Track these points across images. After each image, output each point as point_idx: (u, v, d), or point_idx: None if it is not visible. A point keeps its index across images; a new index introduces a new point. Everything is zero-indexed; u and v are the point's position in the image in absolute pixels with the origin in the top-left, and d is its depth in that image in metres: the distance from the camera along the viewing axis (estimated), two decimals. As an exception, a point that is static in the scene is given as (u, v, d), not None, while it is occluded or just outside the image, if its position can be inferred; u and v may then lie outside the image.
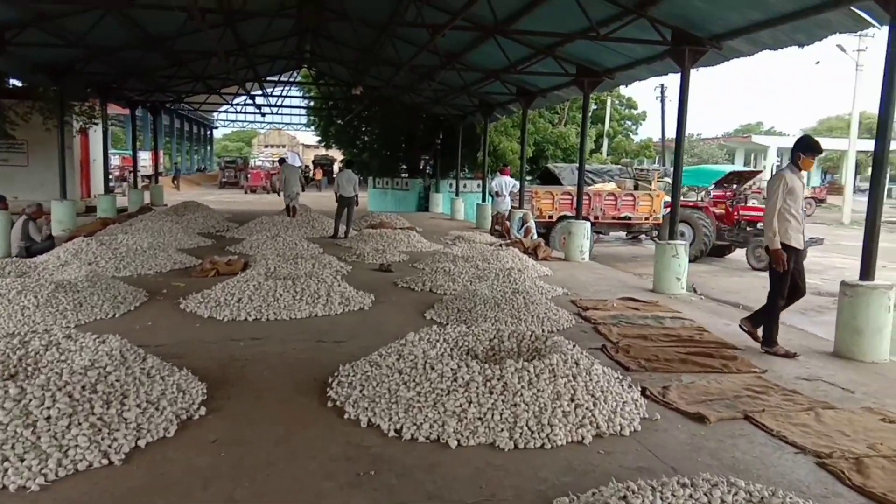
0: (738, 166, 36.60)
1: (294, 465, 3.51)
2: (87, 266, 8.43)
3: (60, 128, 13.50)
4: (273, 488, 3.26)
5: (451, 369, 4.20)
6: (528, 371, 4.18)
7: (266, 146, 76.51)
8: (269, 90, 24.89)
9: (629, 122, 42.04)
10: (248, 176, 37.13)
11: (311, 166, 51.15)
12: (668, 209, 16.56)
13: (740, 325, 6.43)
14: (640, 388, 4.79)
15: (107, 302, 6.73)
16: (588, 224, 12.12)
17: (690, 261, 15.90)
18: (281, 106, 28.17)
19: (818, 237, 16.08)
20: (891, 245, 17.15)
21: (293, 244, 11.54)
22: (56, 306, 6.28)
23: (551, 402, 4.03)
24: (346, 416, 4.16)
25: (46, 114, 16.60)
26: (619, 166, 20.53)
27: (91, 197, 20.84)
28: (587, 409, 4.08)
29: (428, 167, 27.48)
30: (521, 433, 3.83)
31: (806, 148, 6.10)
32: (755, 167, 42.68)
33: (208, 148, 59.57)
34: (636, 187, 16.53)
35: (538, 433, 3.85)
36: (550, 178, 19.21)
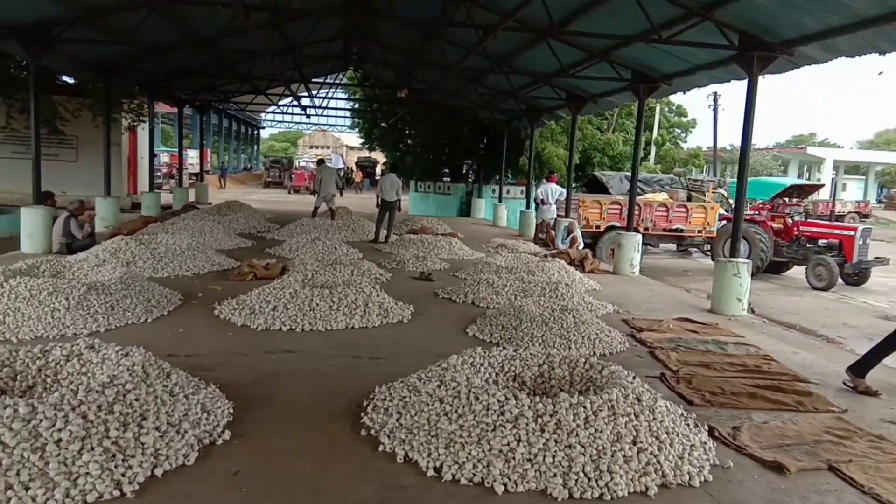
0: (797, 179, 35.15)
1: (322, 506, 3.14)
2: (124, 266, 8.28)
3: (107, 125, 13.53)
4: (297, 535, 2.90)
5: (498, 401, 3.78)
6: (585, 407, 3.74)
7: (311, 147, 77.28)
8: (314, 91, 24.83)
9: (678, 130, 40.92)
10: (293, 176, 37.33)
11: (354, 168, 51.39)
12: (723, 222, 15.88)
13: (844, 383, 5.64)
14: (707, 428, 4.30)
15: (140, 305, 6.52)
16: (639, 236, 11.54)
17: (745, 277, 15.30)
18: (326, 108, 28.16)
19: (883, 257, 15.16)
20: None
21: (333, 248, 11.27)
22: (87, 309, 6.08)
23: (611, 444, 3.59)
24: (381, 447, 3.78)
25: (96, 111, 16.80)
26: (671, 176, 19.81)
27: (138, 193, 21.05)
28: (651, 453, 3.62)
29: (471, 172, 27.10)
30: (576, 480, 3.40)
31: None
32: (809, 179, 41.13)
33: (255, 147, 60.39)
34: (689, 198, 15.84)
35: (596, 481, 3.41)
36: (597, 187, 18.65)
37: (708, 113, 37.82)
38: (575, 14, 9.05)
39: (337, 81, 24.37)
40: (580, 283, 9.44)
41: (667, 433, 3.81)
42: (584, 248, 13.89)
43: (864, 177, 51.44)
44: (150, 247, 9.23)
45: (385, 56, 16.19)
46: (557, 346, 5.99)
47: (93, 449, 3.23)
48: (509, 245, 13.71)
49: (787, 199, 16.47)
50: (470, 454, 3.55)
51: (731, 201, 18.01)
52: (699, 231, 15.46)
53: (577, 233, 14.16)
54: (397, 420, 3.99)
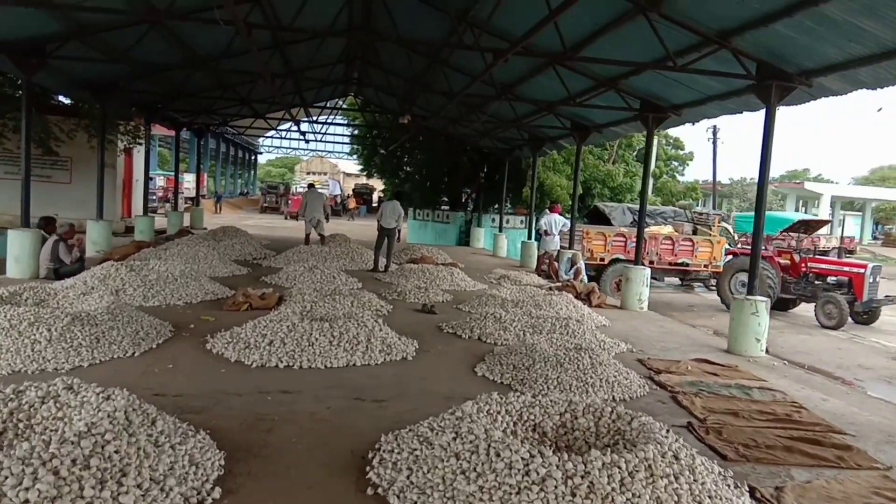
0: (804, 214, 34.98)
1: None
2: (112, 295, 7.87)
3: (101, 145, 13.19)
4: None
5: (522, 458, 3.38)
6: (620, 467, 3.34)
7: (308, 173, 77.19)
8: (314, 116, 24.66)
9: (675, 163, 40.95)
10: (289, 202, 37.04)
11: (350, 194, 51.19)
12: (729, 257, 15.58)
13: None
14: (748, 488, 3.89)
15: (127, 338, 6.10)
16: (648, 271, 11.19)
17: (752, 313, 14.94)
18: (325, 133, 27.99)
19: (893, 295, 14.85)
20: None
21: (331, 277, 10.88)
22: (70, 341, 5.66)
23: (651, 512, 3.18)
24: (389, 509, 3.37)
25: (91, 131, 16.48)
26: (674, 208, 19.56)
27: (132, 217, 20.65)
28: (695, 522, 3.22)
29: (470, 201, 26.86)
30: (614, 555, 2.99)
31: None
32: (808, 214, 41.02)
33: (252, 172, 60.15)
34: (695, 232, 15.54)
35: (637, 555, 3.00)
36: (599, 218, 18.37)
37: (704, 146, 37.95)
38: (586, 41, 8.81)
39: (337, 107, 24.20)
40: (590, 318, 9.05)
41: (709, 497, 3.41)
42: (587, 280, 13.56)
43: (860, 213, 51.52)
44: (141, 273, 8.82)
45: (387, 81, 15.98)
46: (574, 389, 5.60)
47: (63, 513, 2.81)
48: (512, 276, 13.36)
49: (792, 235, 16.20)
50: (492, 521, 3.14)
51: (736, 236, 17.79)
52: (705, 265, 15.14)
53: (581, 264, 13.84)
54: (408, 477, 3.57)
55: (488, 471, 3.37)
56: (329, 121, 26.15)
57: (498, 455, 3.44)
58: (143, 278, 8.71)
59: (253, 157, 58.67)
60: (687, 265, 15.13)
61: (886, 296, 14.34)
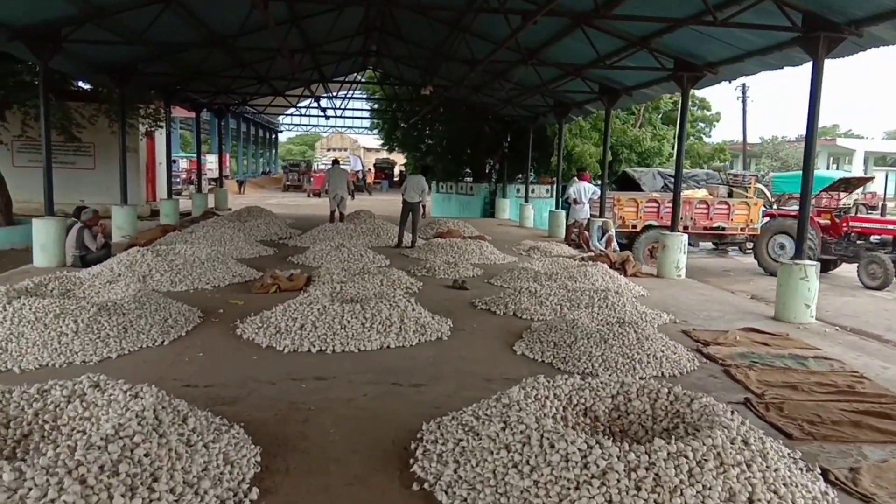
0: (843, 172, 33.85)
1: None
2: (139, 281, 7.75)
3: (122, 129, 13.04)
4: None
5: (579, 449, 3.13)
6: (687, 457, 3.07)
7: (329, 150, 76.96)
8: (333, 92, 24.32)
9: (702, 124, 39.88)
10: (311, 179, 36.92)
11: (373, 169, 50.95)
12: (766, 219, 15.06)
13: None
14: (820, 470, 3.61)
15: (155, 326, 5.95)
16: (685, 237, 10.79)
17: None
18: (345, 109, 27.63)
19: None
20: None
21: (358, 255, 10.67)
22: (98, 332, 5.52)
23: (724, 505, 2.91)
24: (438, 507, 3.14)
25: (112, 116, 16.37)
26: (707, 171, 18.95)
27: (156, 200, 20.67)
28: (773, 515, 2.94)
29: (493, 172, 26.41)
30: (688, 555, 2.74)
31: None
32: (847, 171, 39.74)
33: (273, 151, 60.15)
34: (730, 194, 15.01)
35: (712, 555, 2.74)
36: (629, 184, 17.86)
37: (729, 106, 36.83)
38: (612, 2, 8.32)
39: (356, 80, 23.81)
40: (628, 289, 8.72)
41: (785, 485, 3.13)
42: (618, 248, 13.19)
43: (894, 168, 49.92)
44: (168, 258, 8.68)
45: (407, 51, 15.54)
46: (620, 366, 5.32)
47: (92, 523, 2.63)
48: (541, 247, 13.04)
49: (832, 194, 15.59)
50: (551, 519, 2.90)
51: (771, 197, 17.19)
52: (742, 229, 14.63)
53: (612, 232, 13.46)
54: (455, 471, 3.35)
55: (543, 464, 3.12)
56: (348, 96, 25.75)
57: (552, 446, 3.19)
58: (170, 263, 8.57)
59: (273, 136, 58.61)
60: (723, 229, 14.65)
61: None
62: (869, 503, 3.40)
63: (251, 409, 4.32)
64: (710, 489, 2.94)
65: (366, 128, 52.15)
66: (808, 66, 7.80)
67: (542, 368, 5.45)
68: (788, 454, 3.61)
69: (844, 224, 14.44)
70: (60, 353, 5.22)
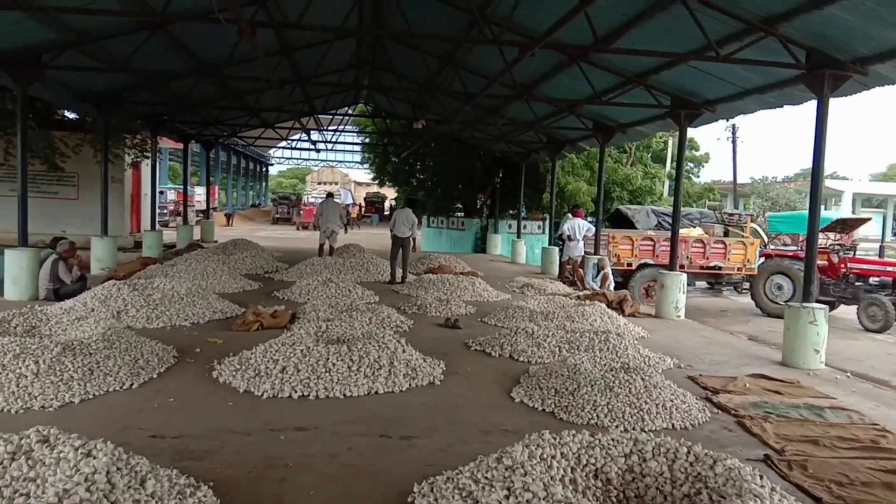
0: (839, 213, 33.89)
1: None
2: (113, 317, 7.31)
3: (104, 159, 12.69)
4: None
5: (595, 523, 2.73)
6: (719, 534, 2.67)
7: (319, 183, 76.97)
8: (324, 126, 24.18)
9: (691, 164, 40.12)
10: (301, 212, 36.62)
11: (363, 203, 50.79)
12: (763, 259, 14.83)
13: None
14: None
15: (124, 368, 5.50)
16: (684, 276, 10.49)
17: (789, 318, 14.15)
18: (335, 142, 27.48)
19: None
20: None
21: (346, 291, 10.27)
22: (60, 374, 5.07)
23: None
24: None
25: (97, 146, 16.04)
26: (701, 209, 18.78)
27: (141, 232, 20.22)
28: None
29: (485, 207, 26.21)
30: None
31: None
32: (837, 212, 39.88)
33: (264, 184, 59.93)
34: (726, 233, 14.80)
35: None
36: (622, 221, 17.63)
37: (717, 146, 37.01)
38: (615, 33, 8.12)
39: (349, 113, 23.69)
40: (628, 331, 8.36)
41: (829, 567, 2.73)
42: (614, 287, 12.87)
43: (881, 210, 50.33)
44: (145, 293, 8.24)
45: (399, 84, 15.39)
46: (627, 417, 4.92)
47: None
48: (535, 285, 12.69)
49: (828, 235, 15.40)
50: None
51: (766, 237, 17.00)
52: (738, 269, 14.38)
53: (608, 270, 13.14)
54: (453, 546, 2.93)
55: (553, 540, 2.71)
56: (340, 127, 25.62)
57: (564, 519, 2.79)
58: (147, 298, 8.13)
59: (264, 169, 58.44)
60: (720, 269, 14.38)
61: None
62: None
63: (223, 464, 3.89)
64: (748, 574, 2.54)
65: (357, 162, 52.20)
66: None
67: (543, 418, 5.05)
68: (824, 525, 3.22)
69: (843, 265, 14.23)
70: (18, 397, 4.77)
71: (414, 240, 13.00)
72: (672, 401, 5.21)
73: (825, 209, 45.13)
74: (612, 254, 13.93)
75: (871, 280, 13.80)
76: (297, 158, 61.76)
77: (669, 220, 17.31)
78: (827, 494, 3.90)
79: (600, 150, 13.85)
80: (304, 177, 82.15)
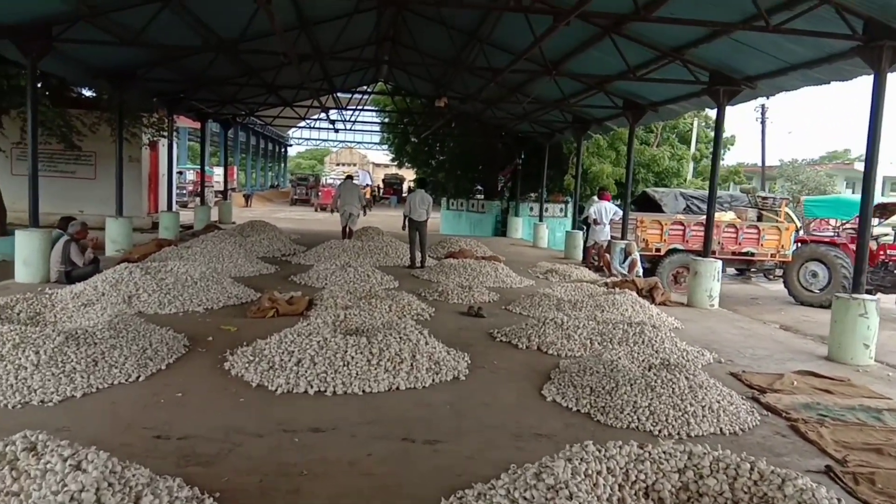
0: (880, 196, 32.80)
1: None
2: (123, 303, 7.02)
3: (120, 138, 12.41)
4: None
5: (656, 561, 2.33)
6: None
7: (338, 164, 76.75)
8: (343, 104, 23.77)
9: (717, 146, 39.22)
10: (319, 194, 36.30)
11: (381, 185, 50.47)
12: (798, 245, 14.22)
13: None
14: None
15: (131, 358, 5.18)
16: (719, 263, 9.99)
17: (825, 306, 13.55)
18: (354, 121, 27.05)
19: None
20: None
21: (365, 276, 9.91)
22: (62, 366, 4.76)
23: None
24: None
25: (114, 125, 15.77)
26: (731, 193, 18.11)
27: (158, 213, 20.03)
28: None
29: (505, 189, 25.69)
30: None
31: None
32: (844, 195, 38.74)
33: (283, 165, 59.76)
34: (759, 218, 14.19)
35: None
36: (648, 205, 17.04)
37: (743, 128, 35.85)
38: (655, 2, 7.57)
39: (369, 90, 23.23)
40: (663, 322, 7.91)
41: None
42: (642, 273, 12.39)
43: (914, 193, 48.86)
44: (157, 277, 7.93)
45: (421, 59, 14.87)
46: (672, 420, 4.51)
47: None
48: (559, 270, 12.26)
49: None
50: None
51: (798, 221, 16.33)
52: (772, 255, 13.78)
53: (636, 255, 12.66)
54: (487, 579, 2.55)
55: (607, 580, 2.33)
56: (359, 107, 25.19)
57: (618, 554, 2.40)
58: (160, 282, 7.82)
59: (283, 150, 58.23)
60: (752, 255, 13.80)
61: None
62: None
63: (231, 471, 3.55)
64: None
65: (375, 143, 51.74)
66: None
67: (578, 420, 4.66)
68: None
69: (881, 252, 13.59)
70: (16, 390, 4.47)
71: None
72: (719, 402, 4.78)
73: (852, 193, 43.98)
74: (640, 238, 13.41)
75: (912, 268, 13.17)
76: (315, 139, 61.49)
77: (699, 204, 16.79)
78: (903, 515, 3.48)
79: (630, 130, 13.28)
80: (322, 158, 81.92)
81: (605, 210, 13.43)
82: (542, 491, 2.88)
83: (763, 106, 33.76)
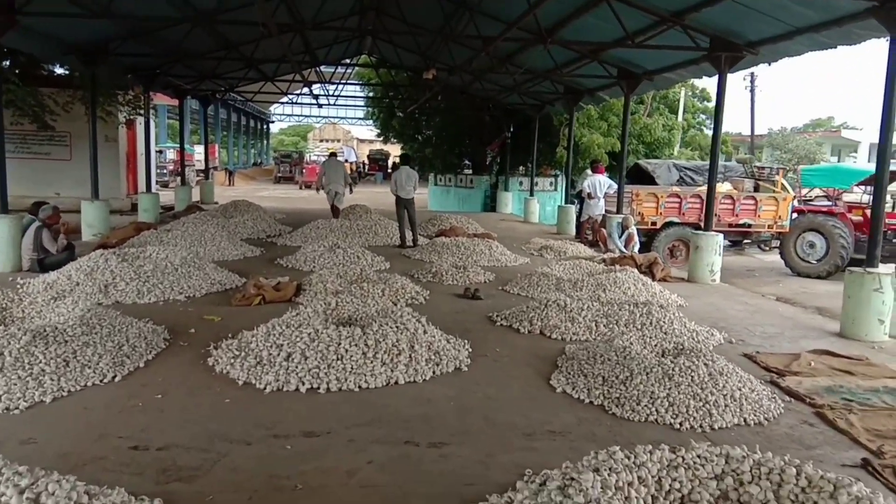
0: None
1: None
2: (99, 293, 6.60)
3: (93, 116, 11.84)
4: None
5: None
6: None
7: (321, 140, 75.70)
8: (326, 80, 23.08)
9: (703, 116, 38.81)
10: (304, 171, 35.66)
11: (367, 162, 49.78)
12: (795, 215, 13.97)
13: None
14: None
15: (106, 356, 4.78)
16: (720, 237, 9.69)
17: (822, 277, 13.37)
18: (338, 96, 26.37)
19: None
20: None
21: (355, 258, 9.53)
22: (29, 368, 4.35)
23: None
24: None
25: (89, 104, 15.12)
26: (724, 163, 17.77)
27: (137, 194, 19.42)
28: None
29: (494, 164, 25.23)
30: None
31: None
32: (843, 163, 38.66)
33: (265, 142, 58.74)
34: (756, 188, 13.91)
35: None
36: (641, 177, 16.72)
37: (728, 98, 35.25)
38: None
39: (352, 62, 22.55)
40: (667, 300, 7.60)
41: None
42: (639, 247, 12.09)
43: (899, 160, 48.88)
44: (135, 264, 7.50)
45: (407, 28, 14.31)
46: (692, 412, 4.20)
47: None
48: (554, 247, 11.92)
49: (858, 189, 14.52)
50: None
51: (792, 191, 16.09)
52: (769, 226, 13.53)
53: (633, 229, 12.33)
54: None
55: None
56: (342, 81, 24.50)
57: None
58: (138, 269, 7.39)
59: (265, 126, 57.20)
60: (749, 226, 13.54)
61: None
62: None
63: (216, 487, 3.19)
64: None
65: (360, 118, 50.91)
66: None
67: (592, 413, 4.34)
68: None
69: (881, 221, 13.35)
70: (-23, 397, 4.07)
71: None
72: (740, 389, 4.47)
73: (838, 160, 43.90)
74: (636, 212, 13.09)
75: (913, 237, 12.97)
76: (298, 115, 60.43)
77: (692, 175, 16.50)
78: (956, 517, 3.19)
79: (625, 100, 12.86)
80: (305, 134, 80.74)
81: (599, 184, 13.08)
82: (571, 510, 2.55)
83: (752, 74, 33.35)
